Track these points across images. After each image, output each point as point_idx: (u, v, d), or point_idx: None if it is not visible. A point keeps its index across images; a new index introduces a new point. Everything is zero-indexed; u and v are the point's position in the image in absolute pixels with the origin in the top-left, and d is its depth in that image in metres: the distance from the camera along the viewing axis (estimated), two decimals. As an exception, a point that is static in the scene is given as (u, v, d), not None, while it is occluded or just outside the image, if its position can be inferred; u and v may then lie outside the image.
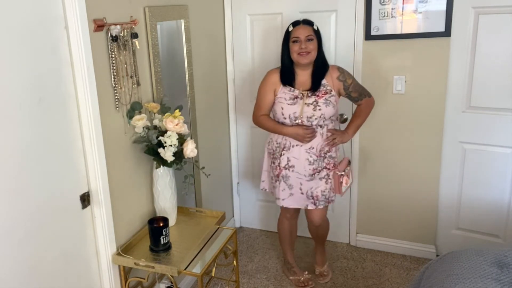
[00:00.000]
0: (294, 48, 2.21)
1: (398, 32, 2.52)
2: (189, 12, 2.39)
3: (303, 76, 2.28)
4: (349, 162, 2.42)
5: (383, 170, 2.80)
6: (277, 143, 2.36)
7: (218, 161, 3.00)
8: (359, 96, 2.33)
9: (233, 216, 3.29)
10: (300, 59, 2.20)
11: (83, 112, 1.69)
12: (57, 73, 1.59)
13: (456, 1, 2.39)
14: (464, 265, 1.65)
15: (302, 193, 2.35)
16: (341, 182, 2.33)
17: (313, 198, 2.35)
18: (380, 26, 2.54)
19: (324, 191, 2.34)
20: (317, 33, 2.23)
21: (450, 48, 2.48)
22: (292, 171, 2.32)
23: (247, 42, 2.91)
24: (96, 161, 1.74)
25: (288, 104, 2.25)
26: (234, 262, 2.16)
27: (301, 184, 2.33)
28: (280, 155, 2.33)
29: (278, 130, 2.30)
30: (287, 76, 2.28)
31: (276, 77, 2.30)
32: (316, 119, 2.24)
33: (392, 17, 2.51)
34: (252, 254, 2.96)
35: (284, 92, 2.28)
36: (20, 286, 1.51)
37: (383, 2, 2.50)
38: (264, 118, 2.35)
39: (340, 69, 2.30)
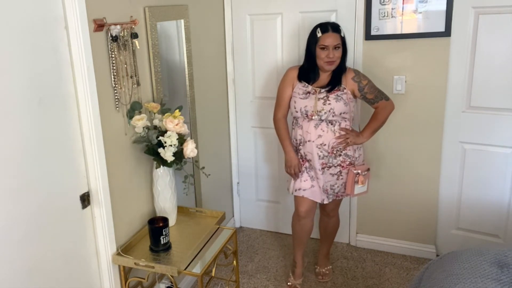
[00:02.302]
0: (322, 55, 2.24)
1: (398, 32, 2.52)
2: (189, 12, 2.39)
3: (324, 75, 2.33)
4: (368, 169, 2.41)
5: (383, 170, 2.80)
6: (295, 139, 2.42)
7: (218, 161, 3.00)
8: (374, 98, 2.33)
9: (233, 216, 3.29)
10: (326, 66, 2.25)
11: (83, 112, 1.68)
12: (57, 73, 1.59)
13: (456, 1, 2.39)
14: (464, 265, 1.65)
15: (319, 186, 2.38)
16: (356, 181, 2.34)
17: (327, 192, 2.40)
18: (380, 26, 2.54)
19: (333, 186, 2.38)
20: (343, 40, 2.27)
21: (450, 48, 2.48)
22: (311, 165, 2.37)
23: (247, 42, 2.90)
24: (96, 161, 1.74)
25: (301, 98, 2.31)
26: (234, 262, 2.16)
27: (317, 178, 2.37)
28: (298, 150, 2.40)
29: (282, 144, 2.44)
30: (308, 75, 2.33)
31: (295, 73, 2.37)
32: (325, 113, 2.26)
33: (392, 17, 2.51)
34: (252, 254, 2.96)
35: (299, 88, 2.34)
36: (20, 286, 1.51)
37: (383, 2, 2.50)
38: (280, 124, 2.43)
39: (356, 71, 2.34)
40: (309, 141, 2.33)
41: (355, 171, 2.33)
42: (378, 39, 2.57)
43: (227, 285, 2.46)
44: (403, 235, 2.87)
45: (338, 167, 2.35)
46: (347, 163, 2.35)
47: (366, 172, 2.37)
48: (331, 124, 2.30)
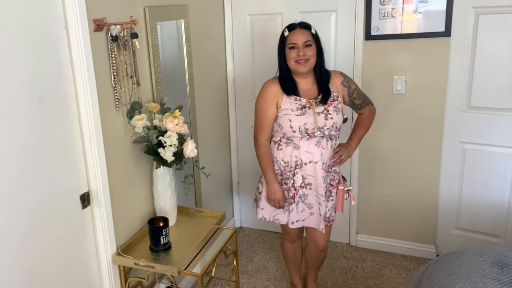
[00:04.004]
0: (291, 55, 1.99)
1: (398, 32, 2.52)
2: (189, 12, 2.39)
3: (305, 84, 2.06)
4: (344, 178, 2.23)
5: (383, 170, 2.80)
6: (284, 162, 2.08)
7: (218, 161, 3.00)
8: (362, 103, 2.16)
9: (233, 216, 3.29)
10: (298, 67, 1.99)
11: (83, 112, 1.68)
12: (57, 73, 1.59)
13: (456, 1, 2.39)
14: (464, 265, 1.65)
15: (320, 214, 2.11)
16: (346, 198, 2.17)
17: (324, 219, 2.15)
18: (380, 26, 2.54)
19: (326, 211, 2.13)
20: (316, 37, 2.03)
21: (450, 48, 2.48)
22: (310, 189, 2.09)
23: (247, 42, 2.91)
24: (96, 161, 1.74)
25: (297, 115, 2.00)
26: (234, 262, 2.16)
27: (319, 204, 2.10)
28: (293, 174, 2.08)
29: (266, 174, 2.11)
30: (289, 85, 2.05)
31: (276, 88, 2.04)
32: (328, 129, 2.01)
33: (392, 17, 2.51)
34: (252, 254, 2.96)
35: (290, 103, 2.02)
36: (20, 286, 1.51)
37: (383, 2, 2.50)
38: (264, 151, 2.10)
39: (343, 74, 2.12)
40: (310, 162, 2.04)
41: (345, 188, 2.15)
42: (378, 39, 2.57)
43: (227, 285, 2.46)
44: (403, 235, 2.87)
45: (330, 187, 2.13)
46: (336, 181, 2.14)
47: (347, 184, 2.20)
48: (331, 140, 2.07)
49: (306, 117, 2.00)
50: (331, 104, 2.03)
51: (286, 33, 2.02)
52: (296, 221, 2.15)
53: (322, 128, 2.01)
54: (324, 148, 2.05)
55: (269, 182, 2.10)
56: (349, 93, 2.11)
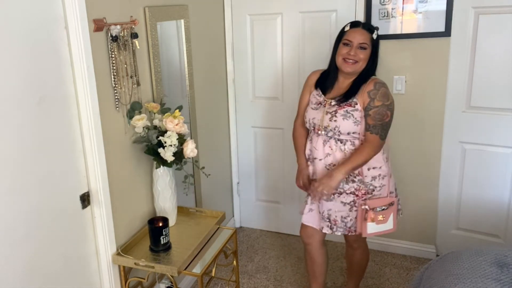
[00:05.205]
0: (342, 51, 1.94)
1: (398, 32, 2.52)
2: (189, 12, 2.39)
3: (343, 83, 2.02)
4: (392, 204, 2.01)
5: (383, 170, 2.79)
6: (308, 153, 2.13)
7: (218, 161, 3.00)
8: (371, 127, 1.93)
9: (233, 216, 3.29)
10: (343, 66, 1.94)
11: (83, 112, 1.68)
12: (57, 73, 1.59)
13: (456, 1, 2.39)
14: (464, 265, 1.65)
15: (319, 212, 2.10)
16: (365, 219, 1.97)
17: (329, 221, 2.06)
18: (380, 26, 2.53)
19: (345, 218, 2.03)
20: (374, 43, 1.96)
21: (450, 48, 2.48)
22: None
23: (247, 42, 2.90)
24: (96, 161, 1.74)
25: (312, 108, 2.05)
26: (234, 262, 2.16)
27: (319, 202, 2.07)
28: (308, 166, 2.13)
29: (297, 154, 2.18)
30: (324, 79, 2.06)
31: (314, 78, 2.10)
32: (331, 130, 1.97)
33: (392, 17, 2.51)
34: (252, 254, 2.96)
35: (314, 96, 2.07)
36: (20, 286, 1.51)
37: (383, 2, 2.50)
38: (296, 133, 2.19)
39: (377, 85, 1.94)
40: (315, 158, 2.05)
41: (363, 207, 1.96)
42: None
43: (227, 285, 2.46)
44: (403, 235, 2.87)
45: (352, 195, 1.99)
46: (363, 192, 1.99)
47: (384, 208, 1.98)
48: (341, 143, 1.98)
49: (317, 112, 2.02)
50: (344, 108, 1.95)
51: (347, 28, 1.98)
52: (303, 213, 2.16)
53: (326, 127, 1.98)
54: (331, 149, 2.00)
55: (298, 161, 2.18)
56: (367, 106, 1.93)
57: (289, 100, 2.86)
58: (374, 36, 1.96)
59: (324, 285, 2.33)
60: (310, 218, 2.14)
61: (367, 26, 1.97)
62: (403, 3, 2.47)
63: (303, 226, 2.20)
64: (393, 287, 2.58)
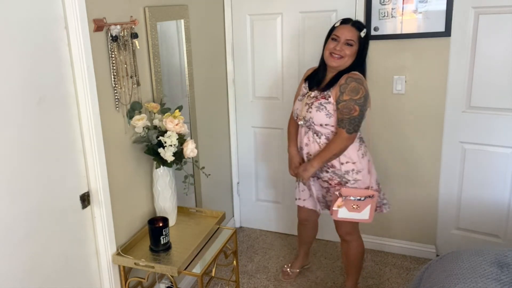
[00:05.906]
0: (329, 46, 2.05)
1: (398, 32, 2.52)
2: (189, 12, 2.39)
3: (329, 78, 2.12)
4: (370, 196, 2.09)
5: (382, 170, 2.79)
6: (298, 143, 2.29)
7: (218, 161, 3.00)
8: (339, 121, 2.02)
9: (233, 216, 3.29)
10: (329, 60, 2.05)
11: (83, 112, 1.68)
12: (57, 73, 1.59)
13: (456, 1, 2.39)
14: (464, 265, 1.65)
15: (314, 196, 2.29)
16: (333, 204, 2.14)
17: (319, 201, 2.29)
18: (380, 26, 2.54)
19: (325, 196, 2.26)
20: (362, 41, 2.05)
21: (450, 48, 2.48)
22: None
23: (247, 42, 2.91)
24: (96, 161, 1.74)
25: (298, 100, 2.23)
26: (234, 262, 2.16)
27: (313, 185, 2.26)
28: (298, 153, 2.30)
29: (288, 142, 2.33)
30: (314, 73, 2.18)
31: (308, 73, 2.25)
32: (307, 121, 2.12)
33: (392, 17, 2.51)
34: (252, 254, 2.96)
35: (302, 88, 2.24)
36: (20, 286, 1.51)
37: (383, 2, 2.50)
38: (289, 123, 2.35)
39: (348, 79, 2.00)
40: (301, 148, 2.22)
41: (336, 193, 2.09)
42: (378, 39, 2.57)
43: (227, 285, 2.46)
44: (403, 235, 2.87)
45: (326, 183, 2.18)
46: (335, 182, 2.13)
47: (361, 198, 2.07)
48: (317, 136, 2.12)
49: (300, 103, 2.19)
50: (319, 100, 2.08)
51: (337, 24, 2.09)
52: (298, 198, 2.37)
53: (304, 117, 2.12)
54: (309, 140, 2.16)
55: (288, 148, 2.31)
56: (337, 100, 2.02)
57: (289, 100, 2.86)
58: (362, 34, 2.05)
59: (310, 246, 2.71)
60: (310, 202, 2.35)
61: (357, 24, 2.07)
62: (403, 3, 2.47)
63: (300, 209, 2.46)
64: (393, 287, 2.58)
